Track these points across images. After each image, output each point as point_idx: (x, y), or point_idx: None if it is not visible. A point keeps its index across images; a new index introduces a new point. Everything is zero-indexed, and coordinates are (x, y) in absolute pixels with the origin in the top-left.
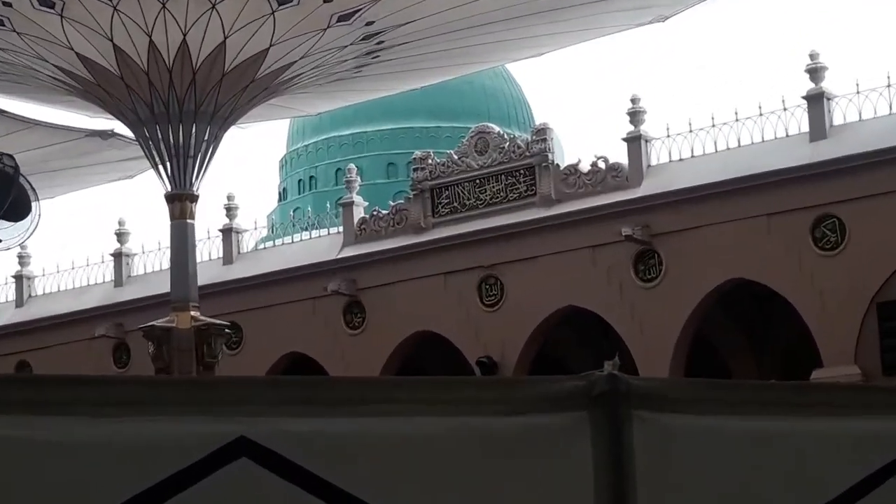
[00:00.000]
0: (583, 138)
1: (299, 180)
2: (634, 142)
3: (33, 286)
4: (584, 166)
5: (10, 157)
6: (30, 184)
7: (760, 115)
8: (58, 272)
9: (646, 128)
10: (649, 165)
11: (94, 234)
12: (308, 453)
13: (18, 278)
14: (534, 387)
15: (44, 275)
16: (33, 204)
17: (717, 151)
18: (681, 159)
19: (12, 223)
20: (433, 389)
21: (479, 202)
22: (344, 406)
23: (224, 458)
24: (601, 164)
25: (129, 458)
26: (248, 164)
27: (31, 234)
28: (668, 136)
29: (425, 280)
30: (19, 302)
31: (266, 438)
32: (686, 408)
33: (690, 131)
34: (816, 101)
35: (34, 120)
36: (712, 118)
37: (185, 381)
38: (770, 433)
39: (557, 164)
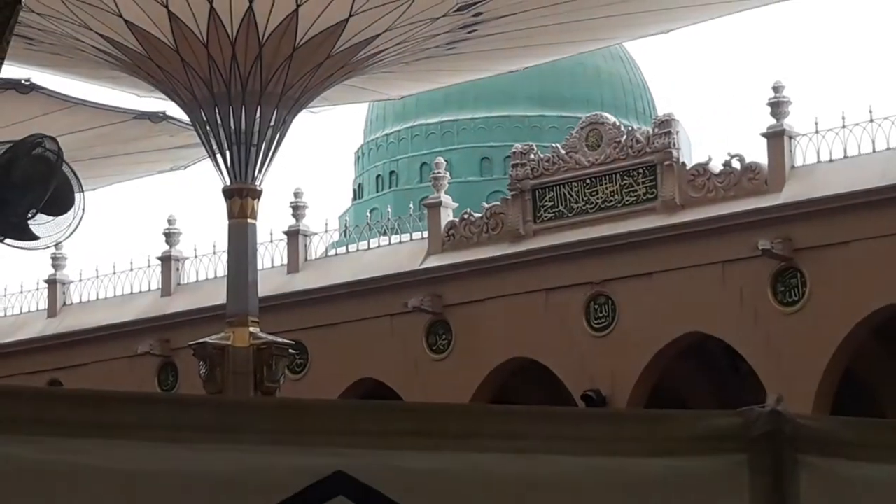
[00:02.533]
0: (714, 133)
1: (377, 176)
2: (776, 138)
3: (68, 293)
4: (716, 166)
5: (53, 140)
6: (73, 172)
7: None
8: (97, 277)
9: (790, 122)
10: (793, 166)
11: (139, 234)
12: (415, 494)
13: (51, 283)
14: (681, 423)
15: (80, 280)
16: (76, 196)
17: (875, 151)
18: (831, 160)
19: (52, 217)
20: (563, 423)
21: (589, 206)
22: (458, 440)
23: (318, 497)
24: (736, 164)
25: (205, 493)
26: (319, 156)
27: (74, 230)
28: (817, 131)
29: (523, 297)
30: (52, 311)
31: (367, 474)
32: (864, 454)
33: (843, 127)
34: None
35: (74, 98)
36: (870, 111)
37: (273, 405)
38: None
39: (683, 163)
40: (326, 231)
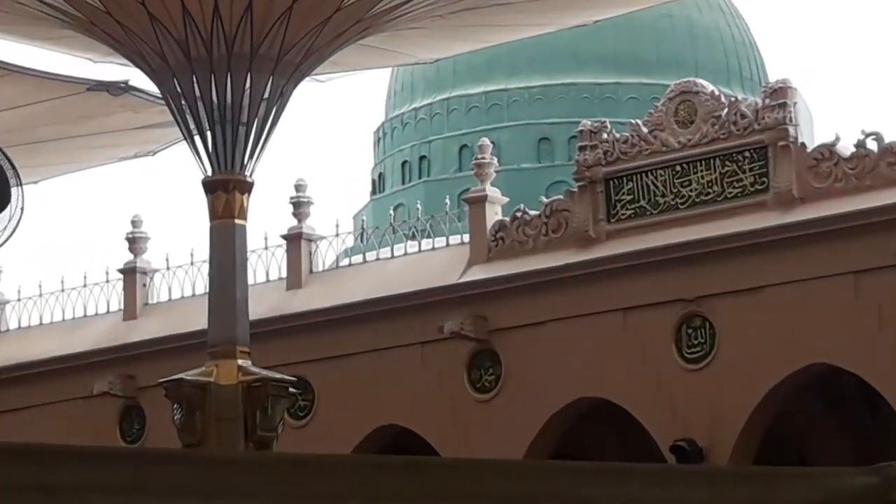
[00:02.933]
0: (842, 106)
1: (404, 162)
2: None
3: (3, 317)
4: (846, 147)
5: None
6: (9, 161)
7: None
8: (40, 296)
9: None
10: None
11: (95, 240)
12: None
13: None
14: (802, 483)
15: (20, 300)
16: (13, 191)
17: None
18: None
19: None
20: (645, 483)
21: (679, 200)
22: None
23: None
24: (871, 145)
25: None
26: (328, 139)
27: (11, 235)
28: None
29: (594, 319)
30: None
31: None
32: None
33: None
34: None
35: (10, 65)
36: None
37: (268, 461)
38: None
39: (803, 144)
40: (338, 234)
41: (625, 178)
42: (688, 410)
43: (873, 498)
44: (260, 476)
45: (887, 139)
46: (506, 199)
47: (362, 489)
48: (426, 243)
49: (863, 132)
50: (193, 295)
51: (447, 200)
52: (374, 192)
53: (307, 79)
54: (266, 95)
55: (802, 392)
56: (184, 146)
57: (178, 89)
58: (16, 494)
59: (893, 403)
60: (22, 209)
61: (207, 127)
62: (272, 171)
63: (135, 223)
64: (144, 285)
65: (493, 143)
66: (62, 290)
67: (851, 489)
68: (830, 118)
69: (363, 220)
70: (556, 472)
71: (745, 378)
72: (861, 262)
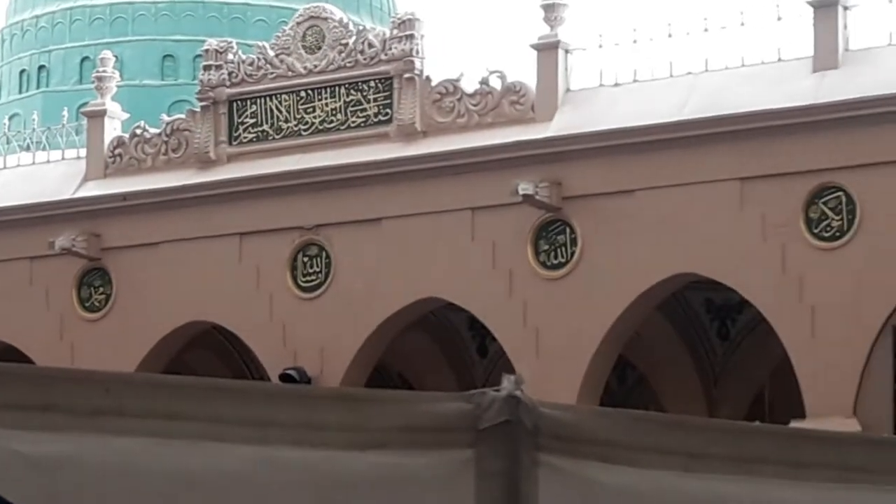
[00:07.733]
0: (469, 42)
1: (22, 71)
2: (548, 51)
3: None
4: (469, 84)
5: None
6: None
7: (742, 25)
8: None
9: (567, 31)
10: (569, 90)
11: None
12: (26, 488)
13: None
14: (394, 407)
15: None
16: None
17: (673, 76)
18: (617, 84)
19: None
20: (236, 402)
21: (302, 127)
22: (88, 418)
23: None
24: (495, 83)
25: None
26: None
27: None
28: (601, 46)
29: (209, 243)
30: None
31: None
32: (624, 457)
33: (635, 42)
34: (827, 12)
35: None
36: (669, 26)
37: None
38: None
39: (428, 78)
40: None
41: (248, 101)
42: (299, 339)
43: (465, 426)
44: None
45: (510, 78)
46: (126, 115)
47: None
48: (41, 156)
49: (487, 69)
50: None
51: (65, 113)
52: None
53: None
54: None
55: (415, 326)
56: None
57: None
58: None
59: (502, 341)
60: None
61: None
62: None
63: None
64: None
65: (116, 56)
66: None
67: (445, 415)
68: (460, 55)
69: None
70: (136, 384)
71: (359, 309)
72: (479, 199)
